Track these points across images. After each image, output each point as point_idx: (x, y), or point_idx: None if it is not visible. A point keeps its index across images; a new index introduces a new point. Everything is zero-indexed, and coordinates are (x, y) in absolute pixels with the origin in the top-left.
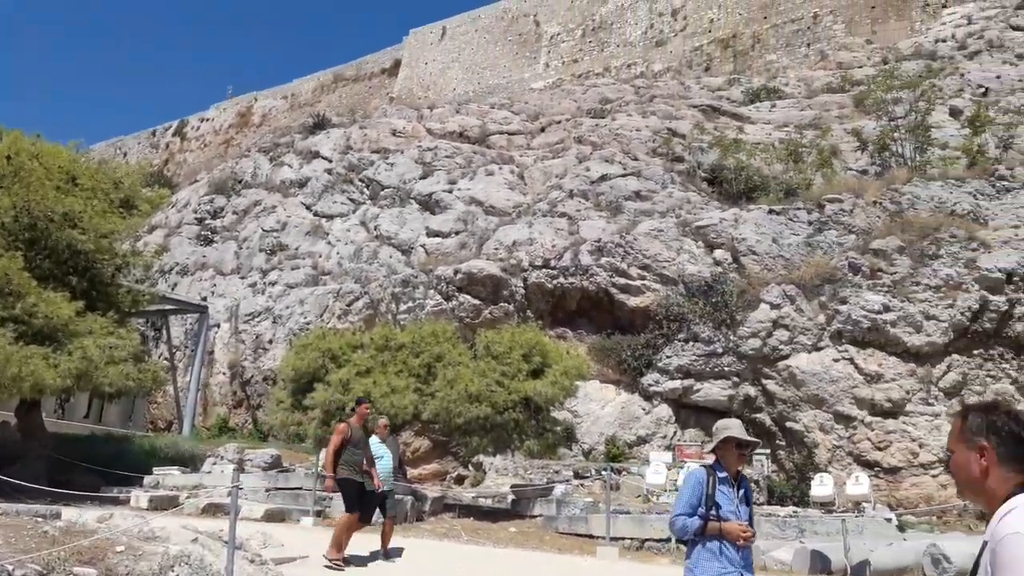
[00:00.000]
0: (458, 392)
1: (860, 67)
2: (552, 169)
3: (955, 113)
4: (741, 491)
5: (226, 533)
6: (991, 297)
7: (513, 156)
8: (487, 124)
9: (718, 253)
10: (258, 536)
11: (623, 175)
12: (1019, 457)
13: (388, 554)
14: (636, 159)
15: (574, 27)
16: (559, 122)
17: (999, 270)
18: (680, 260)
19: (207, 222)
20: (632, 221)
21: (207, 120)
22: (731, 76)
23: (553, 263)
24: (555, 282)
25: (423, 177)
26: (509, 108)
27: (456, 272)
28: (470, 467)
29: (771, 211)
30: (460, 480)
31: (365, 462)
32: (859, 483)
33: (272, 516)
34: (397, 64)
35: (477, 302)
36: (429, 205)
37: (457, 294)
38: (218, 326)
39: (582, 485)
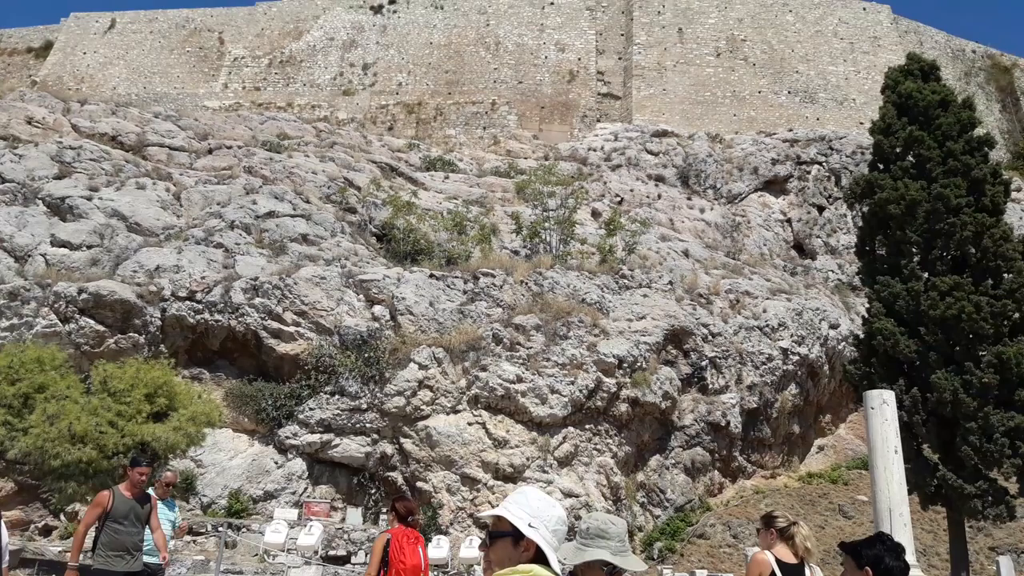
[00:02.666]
0: (59, 430)
1: (526, 158)
2: (215, 195)
3: (596, 214)
4: None
5: None
6: (605, 379)
7: (172, 173)
8: (147, 133)
9: (377, 309)
10: None
11: (292, 215)
12: None
13: None
14: (308, 202)
15: (262, 55)
16: (230, 147)
17: (613, 356)
18: (339, 311)
19: None
20: (295, 264)
21: None
22: (412, 141)
23: (200, 296)
24: (199, 317)
25: (58, 177)
26: (176, 121)
27: (81, 291)
28: (62, 517)
29: (432, 275)
30: (47, 531)
31: (151, 540)
32: (472, 547)
33: None
34: (49, 46)
35: (102, 329)
36: (60, 210)
37: (78, 316)
38: None
39: (194, 542)
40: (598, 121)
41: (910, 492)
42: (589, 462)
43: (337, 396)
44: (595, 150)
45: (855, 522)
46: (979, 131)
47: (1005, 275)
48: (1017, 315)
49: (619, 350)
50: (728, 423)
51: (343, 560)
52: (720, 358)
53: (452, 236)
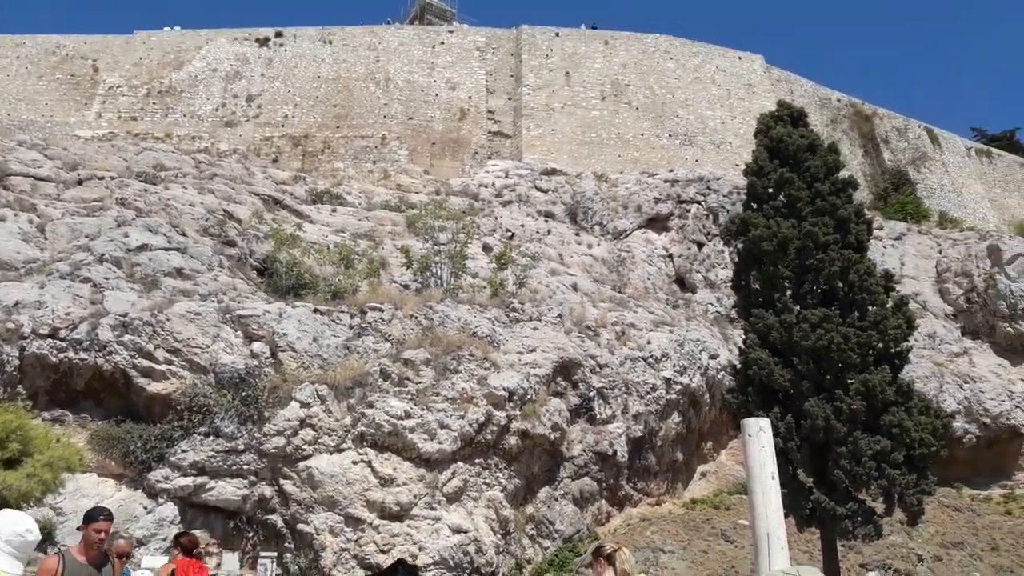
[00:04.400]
0: None
1: (416, 192)
2: (83, 227)
3: (487, 249)
4: None
5: None
6: (495, 412)
7: (36, 204)
8: (9, 162)
9: (257, 346)
10: None
11: (167, 248)
12: None
13: None
14: (184, 235)
15: (139, 84)
16: (102, 178)
17: (504, 389)
18: (215, 348)
19: None
20: (168, 299)
21: None
22: (298, 173)
23: (64, 333)
24: (62, 356)
25: None
26: (43, 150)
27: None
28: None
29: (316, 310)
30: None
31: None
32: None
33: None
34: None
35: None
36: None
37: None
38: None
39: None
40: (489, 158)
41: (787, 515)
42: (478, 497)
43: (212, 437)
44: (486, 186)
45: (736, 546)
46: (844, 173)
47: (869, 308)
48: (880, 345)
49: (510, 383)
50: (615, 452)
51: None
52: (607, 388)
53: (338, 270)
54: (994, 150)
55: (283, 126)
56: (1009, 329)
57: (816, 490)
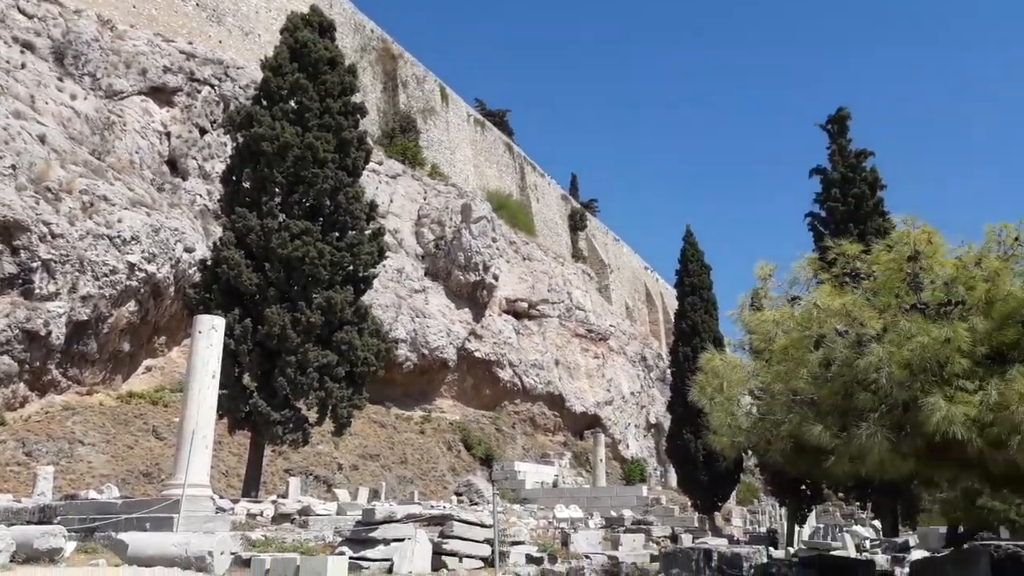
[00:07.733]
0: None
1: None
2: None
3: None
4: None
5: None
6: None
7: None
8: None
9: None
10: None
11: None
12: None
13: None
14: None
15: None
16: None
17: None
18: None
19: None
20: None
21: None
22: None
23: None
24: None
25: None
26: None
27: None
28: None
29: None
30: None
31: None
32: None
33: None
34: None
35: None
36: None
37: None
38: None
39: None
40: None
41: (222, 416)
42: None
43: None
44: None
45: (167, 443)
46: (357, 98)
47: (351, 231)
48: (351, 267)
49: None
50: (50, 333)
51: None
52: (57, 262)
53: None
54: (487, 123)
55: None
56: (461, 277)
57: (257, 394)
